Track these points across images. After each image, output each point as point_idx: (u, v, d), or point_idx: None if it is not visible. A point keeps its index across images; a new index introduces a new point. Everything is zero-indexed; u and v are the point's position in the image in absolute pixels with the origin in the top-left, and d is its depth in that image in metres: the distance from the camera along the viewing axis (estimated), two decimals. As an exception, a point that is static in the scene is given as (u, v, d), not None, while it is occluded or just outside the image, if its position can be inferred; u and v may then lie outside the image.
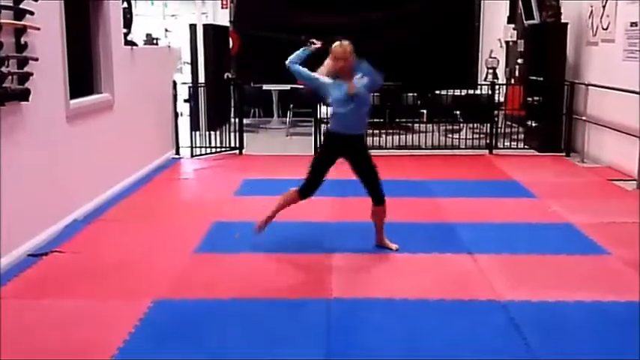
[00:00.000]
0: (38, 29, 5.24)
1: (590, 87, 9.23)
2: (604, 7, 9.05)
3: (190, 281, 4.71)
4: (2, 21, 4.78)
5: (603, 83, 8.80)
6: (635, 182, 7.57)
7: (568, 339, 3.79)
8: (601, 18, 9.16)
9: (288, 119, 12.33)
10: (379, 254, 5.25)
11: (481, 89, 11.40)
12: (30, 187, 5.24)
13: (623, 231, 5.88)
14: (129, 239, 5.71)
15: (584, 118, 9.28)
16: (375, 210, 5.23)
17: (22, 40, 5.05)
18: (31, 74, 5.13)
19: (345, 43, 4.97)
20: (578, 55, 10.00)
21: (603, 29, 9.11)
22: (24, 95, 5.05)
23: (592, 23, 9.48)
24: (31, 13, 5.15)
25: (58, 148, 5.79)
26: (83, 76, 6.67)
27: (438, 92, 11.55)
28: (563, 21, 10.16)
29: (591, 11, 9.48)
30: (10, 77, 4.89)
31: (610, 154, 8.76)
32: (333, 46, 4.98)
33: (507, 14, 13.74)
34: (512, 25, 13.13)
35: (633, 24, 8.19)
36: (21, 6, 5.01)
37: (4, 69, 4.79)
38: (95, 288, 4.56)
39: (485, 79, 12.59)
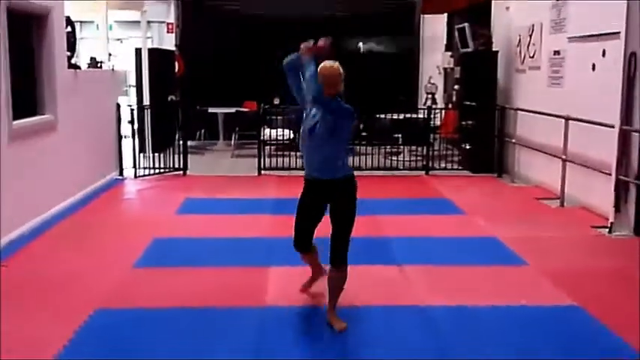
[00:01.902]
0: (-18, 50, 5.40)
1: (518, 111, 9.75)
2: (530, 36, 9.61)
3: (130, 292, 4.90)
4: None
5: (531, 108, 9.31)
6: (558, 200, 8.04)
7: (479, 339, 4.12)
8: (528, 47, 9.72)
9: (233, 141, 12.56)
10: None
11: (418, 113, 11.88)
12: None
13: (542, 244, 6.30)
14: (71, 255, 5.85)
15: (513, 140, 9.78)
16: (331, 274, 4.27)
17: (-34, 61, 5.21)
18: (-26, 94, 5.28)
19: (333, 62, 4.16)
20: (509, 81, 10.55)
21: (530, 57, 9.66)
22: (-33, 114, 5.19)
23: (520, 51, 10.04)
24: (-25, 35, 5.32)
25: (1, 167, 5.91)
26: (26, 97, 6.80)
27: (378, 116, 11.98)
28: (494, 49, 10.73)
29: (519, 40, 10.05)
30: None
31: (538, 174, 9.25)
32: (319, 67, 4.13)
33: (445, 42, 14.36)
34: (450, 53, 13.71)
35: (556, 52, 8.74)
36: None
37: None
38: (37, 298, 4.71)
39: (424, 104, 13.08)
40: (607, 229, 6.74)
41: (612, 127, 6.80)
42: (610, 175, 6.86)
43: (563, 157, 7.94)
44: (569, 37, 8.32)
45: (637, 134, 6.70)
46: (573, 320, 4.45)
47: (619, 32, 6.76)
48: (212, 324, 4.31)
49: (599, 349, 4.02)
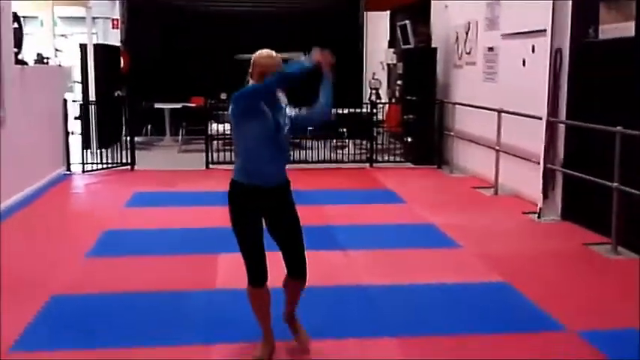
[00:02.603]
0: None
1: (456, 105, 10.20)
2: (467, 33, 10.06)
3: (83, 280, 5.09)
4: None
5: (468, 102, 9.76)
6: (493, 189, 8.49)
7: (413, 313, 4.47)
8: (465, 43, 10.17)
9: (180, 136, 12.70)
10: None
11: (363, 108, 12.25)
12: None
13: (475, 228, 6.72)
14: (23, 247, 5.99)
15: (452, 133, 10.22)
16: (292, 284, 3.79)
17: None
18: None
19: (269, 50, 3.62)
20: (447, 76, 10.99)
21: (467, 53, 10.12)
22: None
23: (458, 48, 10.49)
24: None
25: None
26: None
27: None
28: (433, 46, 11.16)
29: (457, 37, 10.50)
30: None
31: (474, 165, 9.71)
32: (254, 56, 3.58)
33: (388, 39, 14.77)
34: (393, 49, 14.12)
35: (490, 49, 9.19)
36: None
37: None
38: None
39: (368, 99, 13.44)
40: (536, 215, 7.20)
41: (540, 118, 7.25)
42: (539, 163, 7.32)
43: (497, 148, 8.38)
44: (502, 34, 8.78)
45: (562, 125, 7.17)
46: (502, 296, 4.84)
47: (546, 30, 7.20)
48: (164, 307, 4.54)
49: (524, 321, 4.39)
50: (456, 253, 5.90)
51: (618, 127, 5.82)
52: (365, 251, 5.84)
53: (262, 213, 3.64)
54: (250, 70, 3.55)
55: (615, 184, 5.86)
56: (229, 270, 5.25)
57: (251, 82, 3.55)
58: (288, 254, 3.72)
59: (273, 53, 3.58)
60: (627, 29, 6.09)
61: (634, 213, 5.87)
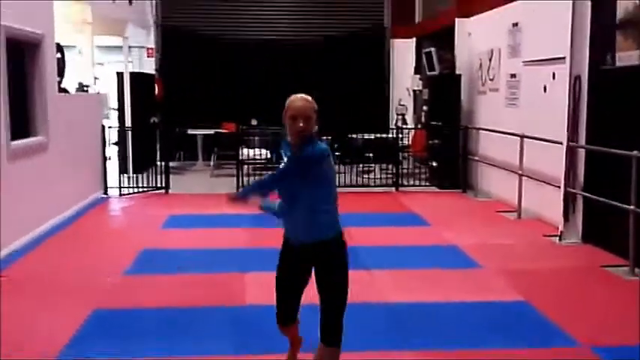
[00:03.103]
0: (-16, 77, 5.92)
1: (480, 130, 10.43)
2: (490, 60, 10.33)
3: (123, 296, 5.42)
4: (-46, 70, 5.45)
5: (491, 127, 9.99)
6: (516, 213, 8.68)
7: (435, 329, 4.70)
8: (488, 70, 10.43)
9: (212, 161, 13.10)
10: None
11: (389, 133, 12.54)
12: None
13: (497, 250, 6.93)
14: (66, 265, 6.35)
15: (476, 158, 10.45)
16: (320, 353, 3.51)
17: (-29, 87, 5.72)
18: (-22, 117, 5.79)
19: (304, 95, 3.49)
20: (471, 102, 11.24)
21: (490, 80, 10.37)
22: (-28, 135, 5.70)
23: (481, 74, 10.75)
24: (-22, 63, 5.84)
25: (2, 182, 6.39)
26: (20, 119, 7.29)
27: (351, 136, 12.64)
28: (457, 72, 11.44)
29: (480, 64, 10.76)
30: (-40, 120, 5.54)
31: (498, 189, 9.90)
32: (289, 100, 3.47)
33: (414, 65, 15.08)
34: (419, 76, 14.42)
35: (513, 75, 9.44)
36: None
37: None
38: (38, 302, 5.19)
39: (394, 124, 13.73)
40: (557, 237, 7.38)
41: (561, 143, 7.46)
42: (559, 187, 7.52)
43: (520, 172, 8.59)
44: (523, 62, 9.03)
45: (582, 150, 7.37)
46: (520, 313, 5.05)
47: (565, 57, 7.44)
48: (196, 321, 4.83)
49: (540, 337, 4.60)
50: (478, 273, 6.12)
51: (635, 152, 6.02)
52: (389, 271, 6.09)
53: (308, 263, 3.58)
54: (284, 112, 3.42)
55: (632, 206, 6.04)
56: (256, 287, 5.54)
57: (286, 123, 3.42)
58: (323, 313, 3.52)
59: (309, 98, 3.47)
60: (643, 57, 6.32)
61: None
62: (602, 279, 6.01)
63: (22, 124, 7.26)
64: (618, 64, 6.75)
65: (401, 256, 6.64)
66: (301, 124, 3.35)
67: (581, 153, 7.43)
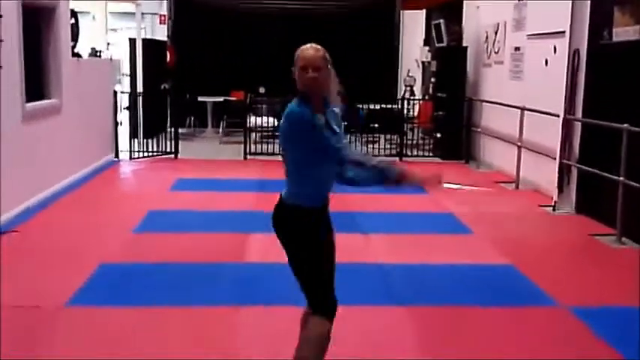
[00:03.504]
0: (2, 41, 6.17)
1: (484, 103, 10.60)
2: (496, 33, 10.46)
3: (129, 251, 5.73)
4: (-28, 33, 5.71)
5: (496, 99, 10.16)
6: (514, 184, 8.90)
7: (424, 287, 4.98)
8: (494, 43, 10.57)
9: (221, 128, 13.35)
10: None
11: (396, 104, 12.72)
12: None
13: (491, 218, 7.18)
14: (77, 223, 6.66)
15: (479, 130, 10.64)
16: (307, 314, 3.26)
17: (-12, 49, 5.98)
18: (-4, 79, 6.06)
19: (314, 45, 3.19)
20: (477, 74, 11.39)
21: (495, 53, 10.51)
22: (-11, 96, 5.98)
23: (487, 47, 10.89)
24: (-5, 27, 6.09)
25: (15, 144, 6.68)
26: (35, 82, 7.56)
27: (358, 106, 12.82)
28: (464, 45, 11.57)
29: (486, 37, 10.89)
30: (-22, 81, 5.81)
31: (500, 160, 10.10)
32: (297, 51, 3.16)
33: (423, 37, 15.18)
34: (428, 47, 14.52)
35: (517, 49, 9.59)
36: (-13, 21, 5.95)
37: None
38: (48, 256, 5.51)
39: (403, 96, 13.90)
40: (551, 208, 7.61)
41: (558, 116, 7.65)
42: (555, 159, 7.72)
43: (519, 144, 8.79)
44: (527, 35, 9.17)
45: (579, 123, 7.55)
46: (505, 276, 5.31)
47: (565, 31, 7.59)
48: (199, 274, 5.13)
49: (521, 297, 4.87)
50: (470, 239, 6.38)
51: (625, 125, 6.22)
52: (384, 235, 6.36)
53: None
54: (294, 69, 3.12)
55: (621, 178, 6.25)
56: (258, 246, 5.82)
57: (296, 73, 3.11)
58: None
59: (319, 47, 3.17)
60: (638, 32, 6.46)
61: (638, 206, 6.24)
62: (589, 247, 6.25)
63: (36, 87, 7.52)
64: (615, 39, 6.90)
65: (397, 222, 6.91)
66: (311, 74, 3.03)
67: (578, 126, 7.62)
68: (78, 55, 8.91)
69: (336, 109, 3.18)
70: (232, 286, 4.90)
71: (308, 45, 3.18)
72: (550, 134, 8.07)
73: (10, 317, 4.22)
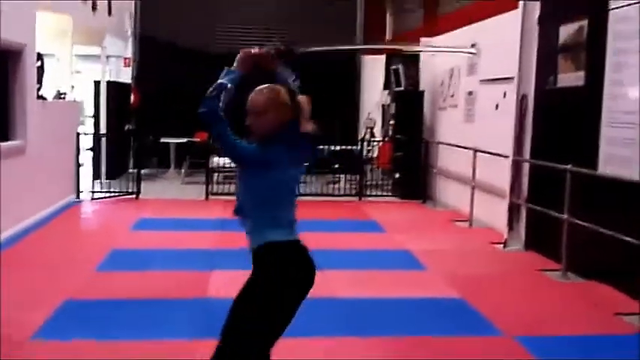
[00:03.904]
0: (-32, 83, 6.34)
1: (439, 144, 11.00)
2: (450, 77, 10.92)
3: (93, 288, 5.85)
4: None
5: (451, 141, 10.55)
6: (468, 222, 9.24)
7: (379, 319, 5.22)
8: (449, 87, 11.02)
9: (183, 169, 13.52)
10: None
11: (357, 145, 13.07)
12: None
13: (444, 255, 7.48)
14: (42, 259, 6.78)
15: (435, 170, 11.01)
16: None
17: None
18: (-39, 120, 6.20)
19: (265, 85, 3.17)
20: (434, 117, 11.83)
21: (450, 97, 10.96)
22: (-45, 137, 6.11)
23: (443, 91, 11.34)
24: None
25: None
26: (1, 123, 7.70)
27: (319, 147, 13.13)
28: (421, 89, 12.03)
29: (442, 82, 11.35)
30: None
31: (455, 200, 10.46)
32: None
33: (383, 81, 15.65)
34: (387, 91, 14.98)
35: (470, 93, 10.03)
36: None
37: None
38: (12, 291, 5.60)
39: (363, 137, 14.26)
40: (502, 245, 7.93)
41: (507, 157, 8.04)
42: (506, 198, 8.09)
43: (472, 184, 9.15)
44: (480, 80, 9.62)
45: (527, 164, 7.94)
46: (455, 308, 5.58)
47: (513, 77, 8.03)
48: (163, 310, 5.28)
49: (470, 328, 5.13)
50: (424, 275, 6.65)
51: (568, 165, 6.60)
52: (341, 271, 6.57)
53: None
54: None
55: (565, 216, 6.60)
56: (219, 283, 6.00)
57: None
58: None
59: (268, 88, 3.15)
60: (579, 78, 6.91)
61: (582, 242, 6.58)
62: (536, 281, 6.56)
63: (2, 128, 7.65)
64: (559, 84, 7.34)
65: (354, 259, 7.14)
66: (249, 120, 3.03)
67: (526, 166, 8.00)
68: (43, 98, 9.06)
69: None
70: (194, 320, 5.06)
71: (258, 88, 3.12)
72: (501, 174, 8.44)
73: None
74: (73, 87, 11.39)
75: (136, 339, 4.66)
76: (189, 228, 8.57)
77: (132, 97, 14.14)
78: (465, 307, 5.58)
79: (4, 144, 7.59)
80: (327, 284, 6.07)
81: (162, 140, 13.79)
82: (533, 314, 5.48)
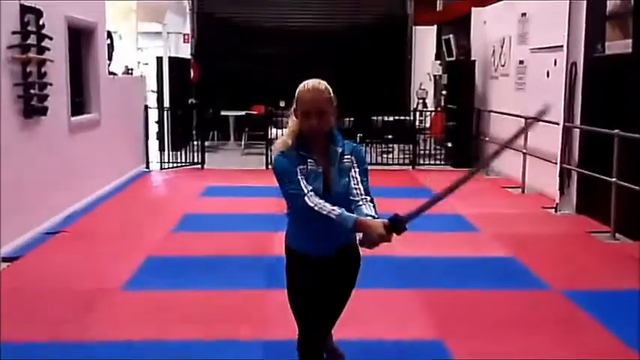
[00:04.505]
0: (52, 61, 6.92)
1: (491, 113, 11.23)
2: (502, 47, 11.10)
3: (172, 247, 6.42)
4: (30, 55, 6.45)
5: (502, 109, 10.78)
6: (520, 189, 9.51)
7: (432, 274, 5.63)
8: (500, 56, 11.21)
9: (243, 141, 14.07)
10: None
11: (409, 116, 13.38)
12: (43, 181, 6.86)
13: (496, 218, 7.81)
14: (119, 224, 7.38)
15: (487, 138, 11.26)
16: None
17: (42, 69, 6.72)
18: (48, 95, 6.79)
19: (317, 81, 3.01)
20: (485, 86, 12.03)
21: (502, 66, 11.15)
22: (43, 111, 6.72)
23: (494, 60, 11.53)
24: (48, 49, 6.83)
25: (63, 152, 7.42)
26: (77, 97, 8.30)
27: (373, 118, 13.50)
28: (473, 58, 12.23)
29: (493, 51, 11.54)
30: (34, 97, 6.55)
31: (507, 167, 10.69)
32: (298, 90, 3.00)
33: (435, 51, 15.86)
34: (439, 61, 15.19)
35: (521, 61, 10.22)
36: (42, 44, 6.69)
37: (31, 91, 6.46)
38: (98, 250, 6.22)
39: (415, 108, 14.55)
40: (553, 209, 8.21)
41: (558, 124, 8.27)
42: (557, 164, 8.34)
43: (524, 151, 9.40)
44: (530, 49, 9.80)
45: (577, 130, 8.17)
46: (505, 265, 5.94)
47: (563, 45, 8.22)
48: (234, 265, 5.81)
49: (519, 282, 5.49)
50: (476, 236, 7.01)
51: (616, 130, 6.83)
52: (397, 232, 6.99)
53: None
54: (294, 107, 3.02)
55: (614, 179, 6.85)
56: (281, 242, 6.46)
57: (291, 120, 3.06)
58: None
59: (322, 86, 2.99)
60: (627, 46, 7.09)
61: (631, 205, 6.83)
62: (585, 242, 6.86)
63: (78, 103, 8.26)
64: (607, 52, 7.53)
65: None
66: (314, 121, 2.92)
67: (577, 132, 8.23)
68: (113, 74, 9.65)
69: (339, 148, 3.04)
70: (261, 274, 5.55)
71: (310, 84, 2.99)
72: (553, 142, 8.66)
73: (75, 298, 4.92)
74: (139, 63, 11.98)
75: (210, 288, 5.20)
76: (253, 194, 9.08)
77: (192, 73, 14.70)
78: (516, 264, 5.94)
79: (82, 117, 8.20)
80: (384, 244, 6.51)
81: (222, 113, 14.35)
82: (580, 271, 5.81)
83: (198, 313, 4.73)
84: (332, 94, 3.01)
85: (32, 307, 4.80)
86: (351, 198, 3.05)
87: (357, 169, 3.09)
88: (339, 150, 3.05)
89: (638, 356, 4.07)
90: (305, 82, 3.01)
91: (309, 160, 2.98)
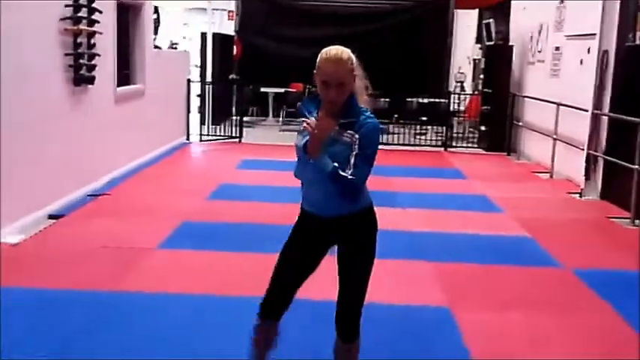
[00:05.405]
0: (101, 34, 7.33)
1: (526, 98, 11.35)
2: (539, 33, 11.19)
3: (207, 213, 6.81)
4: (81, 27, 6.87)
5: (537, 95, 10.90)
6: (549, 174, 9.67)
7: (449, 249, 5.90)
8: (537, 42, 11.30)
9: (281, 117, 14.42)
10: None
11: (444, 98, 13.54)
12: (89, 147, 7.32)
13: (520, 201, 8.01)
14: (158, 190, 7.81)
15: (520, 124, 11.39)
16: (339, 349, 3.16)
17: (92, 41, 7.14)
18: (96, 66, 7.22)
19: (340, 50, 2.87)
20: (522, 72, 12.14)
21: (538, 52, 11.25)
22: (91, 80, 7.15)
23: (531, 46, 11.62)
24: (98, 22, 7.24)
25: (109, 120, 7.86)
26: (123, 69, 8.73)
27: (408, 99, 13.71)
28: (510, 43, 12.32)
29: (531, 36, 11.63)
30: (83, 67, 6.98)
31: (538, 153, 10.85)
32: (320, 57, 2.88)
33: (475, 35, 15.94)
34: (479, 45, 15.28)
35: (557, 48, 10.32)
36: (92, 17, 7.11)
37: (81, 61, 6.89)
38: (137, 214, 6.64)
39: (451, 91, 14.69)
40: (578, 194, 8.37)
41: (587, 110, 8.41)
42: (584, 150, 8.49)
43: (554, 137, 9.54)
44: (565, 36, 9.90)
45: (605, 117, 8.29)
46: (521, 244, 6.19)
47: (596, 33, 8.33)
48: (265, 232, 6.15)
49: (532, 259, 5.74)
50: (498, 216, 7.25)
51: (640, 119, 6.97)
52: (420, 210, 7.28)
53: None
54: (315, 72, 2.89)
55: (636, 166, 7.01)
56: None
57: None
58: (339, 305, 3.14)
59: (344, 55, 2.86)
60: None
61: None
62: (604, 226, 7.04)
63: (125, 74, 8.70)
64: (638, 42, 7.63)
65: (433, 200, 7.81)
66: (333, 92, 2.84)
67: (604, 120, 8.35)
68: (158, 47, 10.07)
69: (345, 137, 2.90)
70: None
71: (331, 52, 2.85)
72: (582, 128, 8.79)
73: (113, 254, 5.35)
74: (184, 38, 12.40)
75: (241, 251, 5.58)
76: (286, 169, 9.33)
77: (234, 49, 15.07)
78: (532, 243, 6.18)
79: (127, 87, 8.64)
80: (405, 220, 6.84)
81: (262, 90, 14.70)
82: (593, 252, 6.02)
83: (224, 272, 5.11)
84: (354, 64, 2.88)
85: (74, 260, 5.23)
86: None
87: (357, 153, 2.88)
88: (344, 122, 2.87)
89: (637, 336, 4.26)
90: (327, 50, 2.87)
91: (311, 118, 2.91)
